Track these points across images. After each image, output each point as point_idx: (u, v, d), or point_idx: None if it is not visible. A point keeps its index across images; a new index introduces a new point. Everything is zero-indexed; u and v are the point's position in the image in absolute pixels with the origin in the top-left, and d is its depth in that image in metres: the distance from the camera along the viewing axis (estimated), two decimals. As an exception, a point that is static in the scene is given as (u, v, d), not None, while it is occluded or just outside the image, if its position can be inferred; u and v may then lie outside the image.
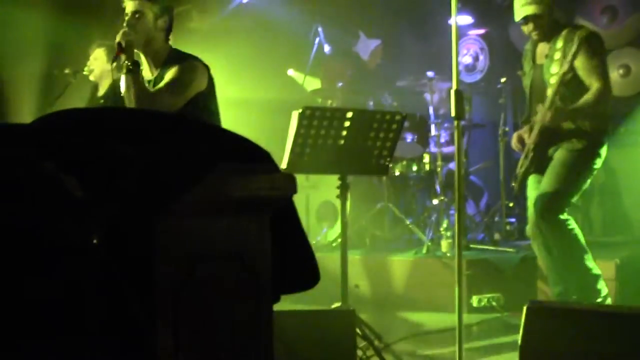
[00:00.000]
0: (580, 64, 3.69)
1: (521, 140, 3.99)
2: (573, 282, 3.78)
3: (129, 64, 3.17)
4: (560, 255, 3.76)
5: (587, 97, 3.69)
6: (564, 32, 3.76)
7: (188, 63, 3.30)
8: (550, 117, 3.69)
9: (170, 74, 3.28)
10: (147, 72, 3.42)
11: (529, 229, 3.96)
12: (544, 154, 3.87)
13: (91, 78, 5.15)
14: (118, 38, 3.19)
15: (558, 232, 3.74)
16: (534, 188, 3.92)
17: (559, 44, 3.73)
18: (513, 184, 4.12)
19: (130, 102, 3.22)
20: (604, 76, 3.73)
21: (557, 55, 3.72)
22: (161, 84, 3.27)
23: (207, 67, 3.37)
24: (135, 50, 3.29)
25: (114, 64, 3.32)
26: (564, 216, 3.76)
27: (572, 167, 3.79)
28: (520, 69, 4.16)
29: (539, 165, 3.89)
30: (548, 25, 3.81)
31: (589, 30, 3.78)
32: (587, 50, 3.67)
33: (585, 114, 3.73)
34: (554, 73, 3.70)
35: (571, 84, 3.70)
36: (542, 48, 3.91)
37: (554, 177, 3.77)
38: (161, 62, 3.37)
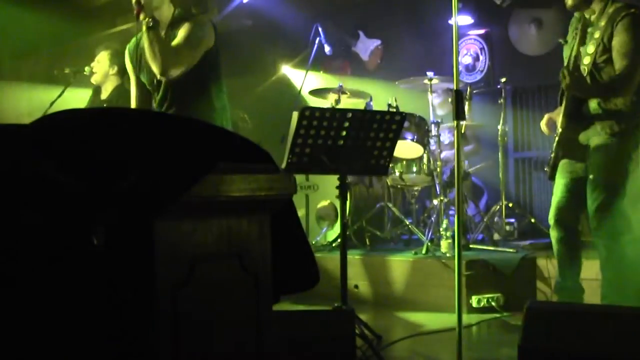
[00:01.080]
0: (617, 44, 3.53)
1: (552, 124, 3.89)
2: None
3: (150, 20, 3.37)
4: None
5: (614, 76, 3.54)
6: (610, 10, 3.58)
7: (199, 18, 3.53)
8: (568, 82, 3.51)
9: (183, 30, 3.48)
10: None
11: (551, 217, 3.87)
12: (572, 138, 3.72)
13: (93, 81, 5.16)
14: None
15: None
16: (563, 176, 3.82)
17: (602, 22, 3.56)
18: (546, 169, 3.97)
19: (154, 57, 3.40)
20: (636, 59, 3.54)
21: (597, 34, 3.56)
22: (178, 39, 3.46)
23: (214, 24, 3.58)
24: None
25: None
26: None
27: (617, 156, 3.64)
28: (563, 38, 3.95)
29: (568, 150, 3.76)
30: None
31: (636, 11, 3.56)
32: (628, 31, 3.50)
33: (610, 89, 3.57)
34: (589, 53, 3.55)
35: (605, 67, 3.55)
36: (589, 18, 3.71)
37: (602, 180, 3.65)
38: (169, 20, 3.58)
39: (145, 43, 3.45)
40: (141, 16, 3.37)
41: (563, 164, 3.84)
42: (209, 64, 3.56)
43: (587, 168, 3.76)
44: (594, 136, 3.69)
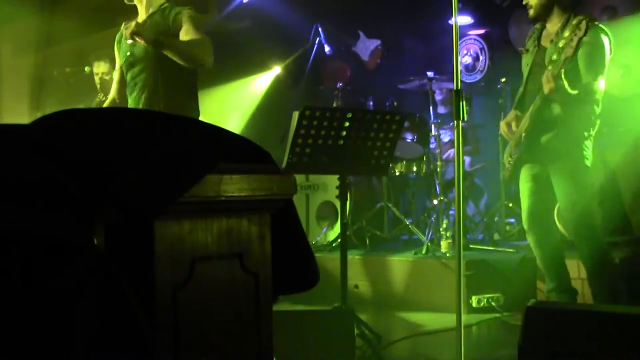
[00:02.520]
0: (583, 54, 3.61)
1: (509, 127, 3.95)
2: None
3: (149, 41, 3.47)
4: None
5: (583, 86, 3.62)
6: (574, 21, 3.64)
7: (186, 10, 3.62)
8: (552, 86, 3.51)
9: (183, 19, 3.57)
10: (141, 17, 3.73)
11: (525, 222, 3.93)
12: (536, 141, 3.79)
13: (97, 82, 5.16)
14: (127, 34, 3.46)
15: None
16: (528, 180, 3.89)
17: (566, 32, 3.63)
18: (503, 173, 4.07)
19: (180, 59, 3.48)
20: (599, 70, 3.66)
21: (562, 43, 3.61)
22: (186, 28, 3.54)
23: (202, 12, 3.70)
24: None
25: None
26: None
27: (579, 160, 3.73)
28: (523, 47, 4.08)
29: (532, 153, 3.83)
30: (543, 5, 3.76)
31: (599, 24, 3.68)
32: (593, 43, 3.59)
33: (582, 99, 3.64)
34: (554, 60, 3.61)
35: (569, 74, 3.60)
36: (550, 29, 3.84)
37: (572, 184, 3.73)
38: (151, 6, 3.69)
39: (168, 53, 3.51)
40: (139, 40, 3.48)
41: (526, 168, 3.91)
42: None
43: (550, 171, 3.83)
44: (558, 140, 3.74)
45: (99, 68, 5.04)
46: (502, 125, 4.01)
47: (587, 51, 3.62)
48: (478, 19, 7.01)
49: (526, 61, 3.97)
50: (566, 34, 3.62)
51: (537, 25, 3.96)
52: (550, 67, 3.56)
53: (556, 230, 4.08)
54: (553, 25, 3.82)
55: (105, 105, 3.87)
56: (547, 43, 3.82)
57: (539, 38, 3.90)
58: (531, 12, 3.83)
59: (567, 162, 3.75)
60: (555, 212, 4.42)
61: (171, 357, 1.46)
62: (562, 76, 3.53)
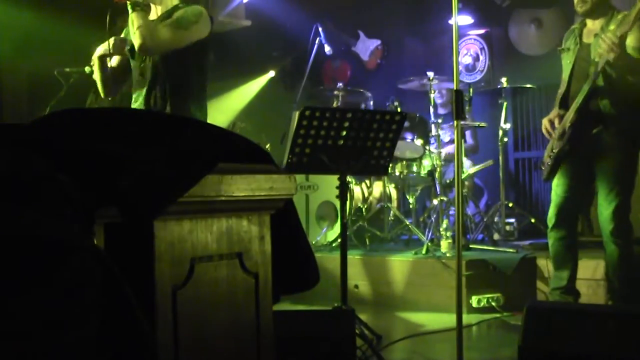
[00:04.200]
0: (632, 41, 3.60)
1: (552, 125, 3.90)
2: None
3: (133, 2, 3.38)
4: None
5: None
6: (619, 16, 3.68)
7: (195, 6, 3.51)
8: (616, 52, 3.49)
9: (177, 13, 3.46)
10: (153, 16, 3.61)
11: (552, 217, 3.89)
12: (581, 136, 3.74)
13: (94, 78, 5.15)
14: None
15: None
16: (566, 176, 3.84)
17: (612, 26, 3.65)
18: (543, 169, 3.98)
19: (135, 34, 3.37)
20: None
21: (610, 34, 3.60)
22: (167, 20, 3.45)
23: (211, 19, 3.55)
24: None
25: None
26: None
27: (629, 157, 3.72)
28: (560, 47, 4.05)
29: (578, 146, 3.77)
30: (597, 2, 3.74)
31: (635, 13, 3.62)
32: None
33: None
34: (601, 52, 3.61)
35: (617, 64, 3.59)
36: (591, 27, 3.83)
37: (617, 182, 3.71)
38: (168, 8, 3.56)
39: (129, 25, 3.44)
40: None
41: (567, 163, 3.85)
42: (196, 59, 3.53)
43: (595, 168, 3.79)
44: (606, 136, 3.71)
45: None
46: (545, 122, 3.95)
47: (636, 36, 3.60)
48: (478, 19, 7.01)
49: (568, 59, 3.93)
50: (612, 27, 3.63)
51: (576, 25, 3.96)
52: (596, 59, 3.57)
53: (577, 229, 4.04)
54: (595, 22, 3.81)
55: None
56: (590, 39, 3.80)
57: (580, 36, 3.88)
58: (585, 7, 3.77)
59: (617, 155, 3.72)
60: None
61: (171, 357, 1.46)
62: (605, 67, 3.55)
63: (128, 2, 3.38)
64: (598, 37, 3.69)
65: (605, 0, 3.80)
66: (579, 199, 3.92)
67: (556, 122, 3.88)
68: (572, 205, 3.87)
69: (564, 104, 3.89)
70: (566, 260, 3.89)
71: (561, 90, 3.96)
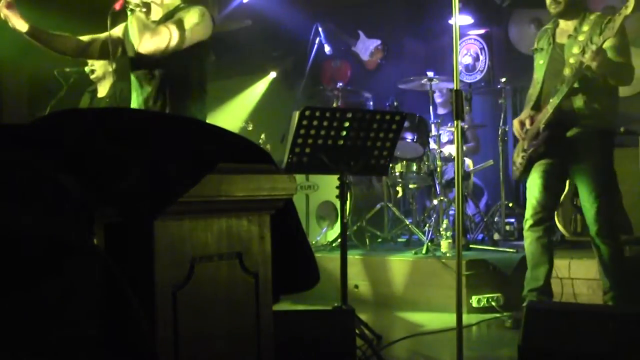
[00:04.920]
0: (611, 44, 3.62)
1: (522, 126, 3.92)
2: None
3: (134, 3, 3.38)
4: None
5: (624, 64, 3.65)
6: (592, 17, 3.71)
7: (197, 7, 3.51)
8: (598, 61, 3.49)
9: (178, 14, 3.47)
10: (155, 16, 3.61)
11: (529, 217, 3.89)
12: (555, 136, 3.76)
13: (92, 78, 5.16)
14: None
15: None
16: (541, 176, 3.85)
17: (585, 27, 3.67)
18: (514, 171, 4.00)
19: (134, 35, 3.38)
20: (629, 55, 3.71)
21: (582, 37, 3.65)
22: (169, 21, 3.45)
23: (213, 18, 3.56)
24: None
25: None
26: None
27: (605, 156, 3.75)
28: (532, 48, 4.07)
29: (549, 148, 3.80)
30: (570, 3, 3.75)
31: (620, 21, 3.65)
32: (618, 33, 3.57)
33: (623, 69, 3.68)
34: (575, 53, 3.63)
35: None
36: (564, 27, 3.85)
37: (597, 182, 3.73)
38: (170, 9, 3.57)
39: (129, 28, 3.44)
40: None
41: (540, 163, 3.87)
42: (195, 54, 3.52)
43: (569, 168, 3.83)
44: (582, 136, 3.74)
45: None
46: (516, 123, 3.97)
47: (613, 41, 3.62)
48: (478, 19, 7.01)
49: (541, 60, 3.95)
50: (585, 28, 3.65)
51: (549, 25, 3.97)
52: (571, 60, 3.59)
53: (554, 230, 4.07)
54: (568, 23, 3.83)
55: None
56: (564, 39, 3.81)
57: (553, 35, 3.90)
58: (558, 8, 3.79)
59: (594, 156, 3.74)
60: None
61: (171, 356, 1.46)
62: (578, 66, 3.58)
63: (127, 6, 3.38)
64: (572, 38, 3.72)
65: (578, 1, 3.81)
66: (554, 198, 3.95)
67: (527, 122, 3.90)
68: (547, 205, 3.88)
69: (536, 105, 3.91)
70: (543, 260, 3.87)
71: (533, 90, 3.99)
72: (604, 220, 3.72)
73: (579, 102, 3.71)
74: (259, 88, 8.17)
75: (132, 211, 1.43)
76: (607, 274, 3.79)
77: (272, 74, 8.06)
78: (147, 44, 3.36)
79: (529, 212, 3.92)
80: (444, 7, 5.83)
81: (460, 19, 6.32)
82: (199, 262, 1.53)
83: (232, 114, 7.82)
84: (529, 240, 3.90)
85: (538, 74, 3.96)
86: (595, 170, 3.75)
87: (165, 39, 3.37)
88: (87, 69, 5.04)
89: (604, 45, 3.56)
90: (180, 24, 3.40)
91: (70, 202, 1.42)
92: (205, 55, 3.61)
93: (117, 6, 3.40)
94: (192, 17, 3.44)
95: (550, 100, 3.76)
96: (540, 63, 3.95)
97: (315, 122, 3.42)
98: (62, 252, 1.44)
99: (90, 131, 1.51)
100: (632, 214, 4.90)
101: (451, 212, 5.45)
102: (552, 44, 3.88)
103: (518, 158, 3.97)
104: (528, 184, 3.95)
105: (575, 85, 3.67)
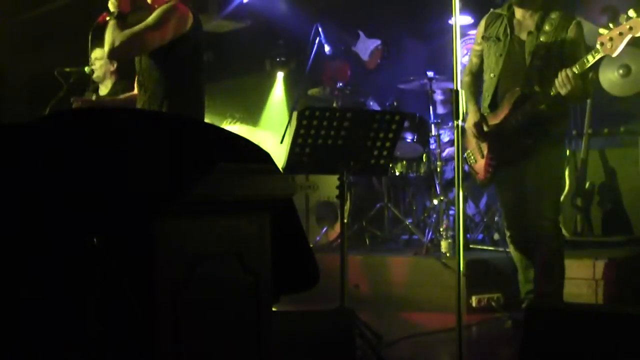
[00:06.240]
0: (568, 49, 3.57)
1: (478, 127, 3.78)
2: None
3: (113, 12, 3.43)
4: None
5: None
6: (553, 15, 3.60)
7: (166, 5, 3.49)
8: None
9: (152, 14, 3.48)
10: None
11: (508, 228, 3.90)
12: (519, 138, 3.68)
13: (93, 78, 5.16)
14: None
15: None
16: (507, 188, 3.84)
17: (547, 26, 3.59)
18: (477, 179, 3.92)
19: (107, 44, 3.42)
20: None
21: (544, 38, 3.58)
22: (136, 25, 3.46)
23: (191, 12, 3.51)
24: None
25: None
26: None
27: (559, 159, 3.77)
28: (483, 32, 3.89)
29: (508, 156, 3.74)
30: None
31: (579, 21, 3.64)
32: (577, 38, 3.58)
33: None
34: (541, 55, 3.57)
35: (546, 66, 3.56)
36: (521, 19, 3.71)
37: (551, 180, 3.74)
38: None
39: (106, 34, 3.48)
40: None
41: (506, 170, 3.79)
42: (188, 54, 3.53)
43: (528, 172, 3.73)
44: (539, 140, 3.67)
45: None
46: (471, 126, 3.82)
47: (572, 47, 3.59)
48: (478, 19, 7.00)
49: (497, 51, 3.76)
50: (547, 28, 3.58)
51: (503, 11, 3.79)
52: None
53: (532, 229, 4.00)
54: (526, 15, 3.69)
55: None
56: (524, 35, 3.68)
57: (511, 27, 3.73)
58: None
59: (545, 158, 3.69)
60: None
61: (171, 356, 1.46)
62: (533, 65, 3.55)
63: (108, 17, 3.44)
64: (532, 35, 3.62)
65: None
66: (525, 202, 3.79)
67: (484, 125, 3.79)
68: (521, 209, 3.80)
69: (492, 104, 3.79)
70: (531, 262, 3.86)
71: (488, 85, 3.82)
72: (550, 220, 3.72)
73: (541, 105, 3.58)
74: (260, 87, 8.16)
75: (132, 211, 1.43)
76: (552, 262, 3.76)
77: (276, 69, 8.04)
78: (114, 50, 3.41)
79: (507, 221, 3.93)
80: (444, 7, 5.82)
81: (460, 19, 6.32)
82: (199, 262, 1.53)
83: (231, 114, 7.82)
84: (513, 246, 3.92)
85: (494, 67, 3.77)
86: (544, 169, 3.70)
87: (129, 43, 3.40)
88: (87, 69, 5.03)
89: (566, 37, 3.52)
90: (146, 25, 3.42)
91: (71, 202, 1.42)
92: (199, 54, 3.59)
93: (101, 20, 3.43)
94: (159, 15, 3.44)
95: (509, 101, 3.66)
96: (495, 54, 3.77)
97: (315, 122, 3.42)
98: (61, 252, 1.44)
99: (90, 131, 1.51)
100: (632, 214, 4.91)
101: (451, 212, 5.45)
102: (510, 36, 3.72)
103: (478, 162, 3.89)
104: (498, 191, 3.94)
105: (537, 88, 3.58)
